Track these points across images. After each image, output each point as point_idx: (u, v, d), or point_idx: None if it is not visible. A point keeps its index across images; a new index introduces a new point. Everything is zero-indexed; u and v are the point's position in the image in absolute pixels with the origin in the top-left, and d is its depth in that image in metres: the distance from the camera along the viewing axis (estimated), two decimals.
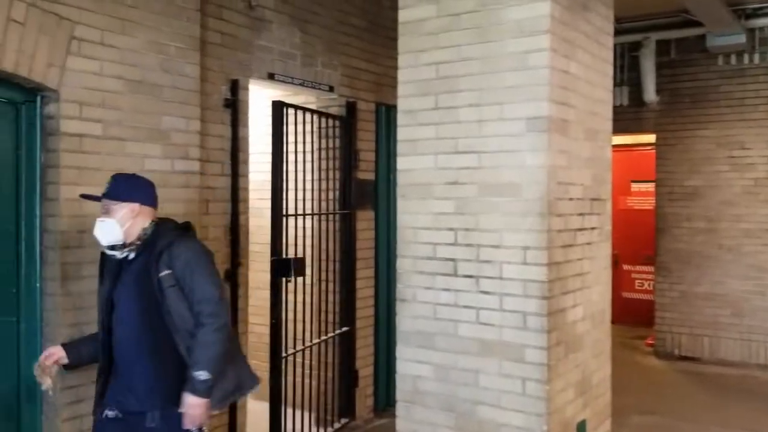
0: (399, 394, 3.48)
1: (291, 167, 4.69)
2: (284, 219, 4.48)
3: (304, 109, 4.70)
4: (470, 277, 3.24)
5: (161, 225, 3.04)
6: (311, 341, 4.96)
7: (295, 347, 4.69)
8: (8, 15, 3.14)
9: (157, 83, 3.79)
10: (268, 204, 4.54)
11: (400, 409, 3.47)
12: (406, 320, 3.45)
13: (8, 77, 3.23)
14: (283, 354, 4.54)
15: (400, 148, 3.49)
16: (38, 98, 3.39)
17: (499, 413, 3.18)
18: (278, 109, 4.42)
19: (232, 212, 4.35)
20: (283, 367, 4.54)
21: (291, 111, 4.55)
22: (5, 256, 3.33)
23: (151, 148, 3.77)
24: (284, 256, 4.46)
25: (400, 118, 3.49)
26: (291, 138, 4.73)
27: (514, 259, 3.12)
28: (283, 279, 4.44)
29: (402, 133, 3.49)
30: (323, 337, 5.05)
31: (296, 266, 4.43)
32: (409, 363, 3.44)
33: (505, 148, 3.16)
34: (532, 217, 3.08)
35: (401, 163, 3.49)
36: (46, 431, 3.40)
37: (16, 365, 3.37)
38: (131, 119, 3.66)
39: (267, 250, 4.62)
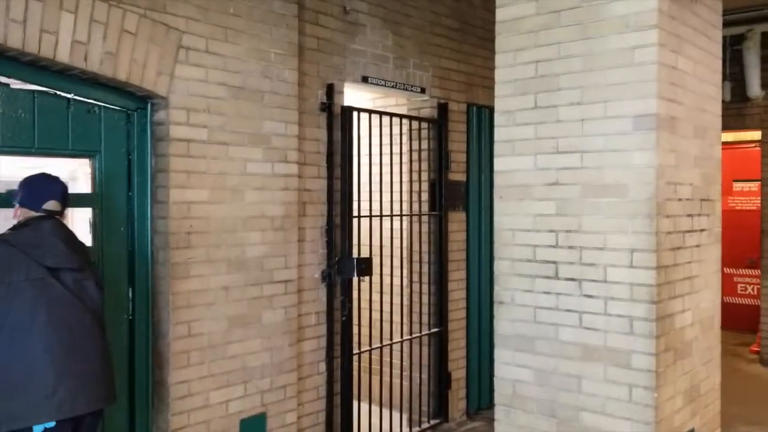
0: (498, 398, 3.42)
1: (382, 169, 4.76)
2: (355, 220, 4.50)
3: (379, 113, 4.73)
4: (572, 280, 3.16)
5: (18, 224, 2.89)
6: (391, 340, 4.96)
7: (371, 345, 4.72)
8: (122, 26, 3.30)
9: (258, 89, 3.89)
10: (367, 205, 4.60)
11: (499, 413, 3.42)
12: (504, 323, 3.40)
13: (121, 86, 3.40)
14: (356, 351, 4.57)
15: (498, 148, 3.44)
16: (149, 105, 3.54)
17: (604, 420, 3.07)
18: (348, 114, 4.46)
19: (328, 214, 4.41)
20: (356, 364, 4.56)
21: (365, 115, 4.57)
22: (118, 255, 3.50)
23: (252, 151, 3.88)
24: (355, 255, 4.48)
25: (498, 119, 3.44)
26: (385, 140, 4.79)
27: (620, 261, 3.01)
28: (358, 279, 4.47)
29: (499, 133, 3.44)
30: (406, 337, 5.04)
31: (360, 266, 4.44)
32: (508, 366, 3.39)
33: (610, 148, 3.06)
34: (640, 218, 2.97)
35: (498, 163, 3.44)
36: (156, 424, 3.55)
37: (128, 360, 3.53)
38: (234, 124, 3.78)
39: (365, 251, 4.67)
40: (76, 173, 3.73)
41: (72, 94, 3.30)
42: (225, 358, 3.73)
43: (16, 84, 3.15)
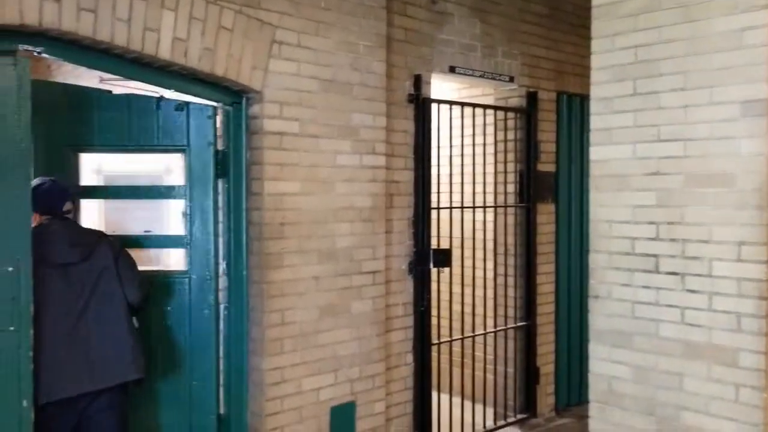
0: (592, 395, 3.35)
1: (467, 161, 4.74)
2: (433, 212, 4.50)
3: (461, 104, 4.71)
4: (674, 274, 3.04)
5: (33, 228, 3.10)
6: (473, 332, 4.93)
7: (451, 336, 4.71)
8: (219, 23, 3.41)
9: (347, 81, 3.94)
10: (454, 197, 4.59)
11: (594, 409, 3.34)
12: (600, 318, 3.31)
13: (218, 81, 3.51)
14: (435, 341, 4.56)
15: (594, 137, 3.35)
16: (243, 100, 3.65)
17: (708, 420, 2.96)
18: (427, 105, 4.44)
19: (414, 205, 4.42)
20: (437, 355, 4.57)
21: (450, 107, 4.54)
22: (205, 245, 3.63)
23: (341, 144, 3.93)
24: (434, 247, 4.47)
25: (594, 106, 3.35)
26: (472, 131, 4.77)
27: (727, 255, 2.88)
28: (436, 270, 4.47)
29: (595, 121, 3.34)
30: (491, 330, 5.00)
31: (437, 257, 4.42)
32: (603, 362, 3.30)
33: (715, 135, 2.92)
34: (749, 209, 2.83)
35: (594, 153, 3.34)
36: (251, 409, 3.66)
37: (216, 343, 3.65)
38: (324, 117, 3.84)
39: (452, 242, 4.66)
40: (171, 166, 3.90)
41: (172, 90, 3.44)
42: (316, 346, 3.81)
43: (117, 89, 3.33)
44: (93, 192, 3.82)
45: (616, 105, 3.25)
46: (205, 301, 3.61)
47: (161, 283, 3.61)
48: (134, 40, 3.11)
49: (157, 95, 3.60)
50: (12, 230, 2.94)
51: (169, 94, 3.52)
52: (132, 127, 3.57)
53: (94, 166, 3.97)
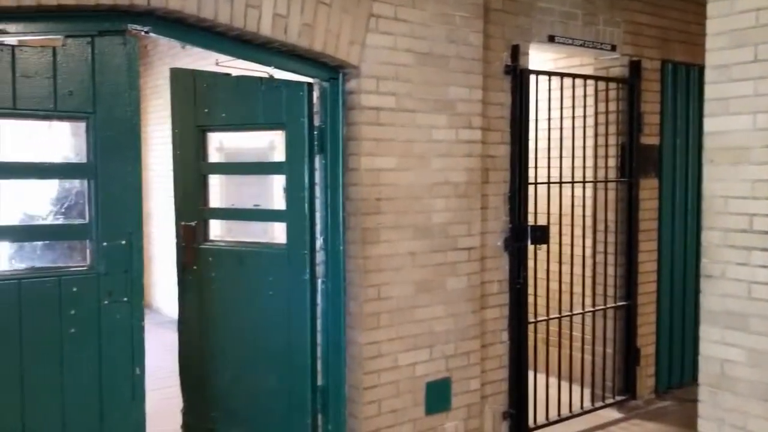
0: (703, 378, 3.22)
1: (565, 134, 4.60)
2: (531, 187, 4.41)
3: (561, 75, 4.55)
4: None
5: None
6: (571, 311, 4.82)
7: (548, 315, 4.62)
8: None
9: (443, 54, 3.88)
10: (553, 172, 4.49)
11: (704, 393, 3.21)
12: (712, 298, 3.17)
13: (316, 56, 3.54)
14: (531, 320, 4.49)
15: (708, 107, 3.18)
16: (341, 75, 3.66)
17: None
18: (524, 77, 4.32)
19: (510, 180, 4.34)
20: (533, 334, 4.49)
21: (548, 77, 4.39)
22: (300, 219, 3.68)
23: (437, 118, 3.90)
24: (531, 223, 4.39)
25: (709, 74, 3.17)
26: (570, 102, 4.62)
27: None
28: (533, 246, 4.40)
29: (710, 90, 3.17)
30: (589, 309, 4.87)
31: (534, 234, 4.34)
32: (715, 345, 3.16)
33: None
34: None
35: (709, 124, 3.17)
36: (349, 381, 3.73)
37: (310, 318, 3.72)
38: (420, 91, 3.81)
39: (549, 218, 4.56)
40: (274, 143, 3.99)
41: (272, 66, 3.50)
42: (412, 321, 3.83)
43: (236, 72, 3.44)
44: (216, 168, 4.17)
45: (734, 73, 3.07)
46: (303, 275, 3.69)
47: (266, 255, 3.78)
48: (237, 17, 3.17)
49: (264, 75, 3.66)
50: (124, 206, 3.09)
51: (270, 71, 3.58)
52: (243, 107, 3.74)
53: (217, 144, 4.21)
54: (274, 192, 4.03)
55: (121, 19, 3.03)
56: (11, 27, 2.79)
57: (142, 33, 3.12)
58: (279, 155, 3.92)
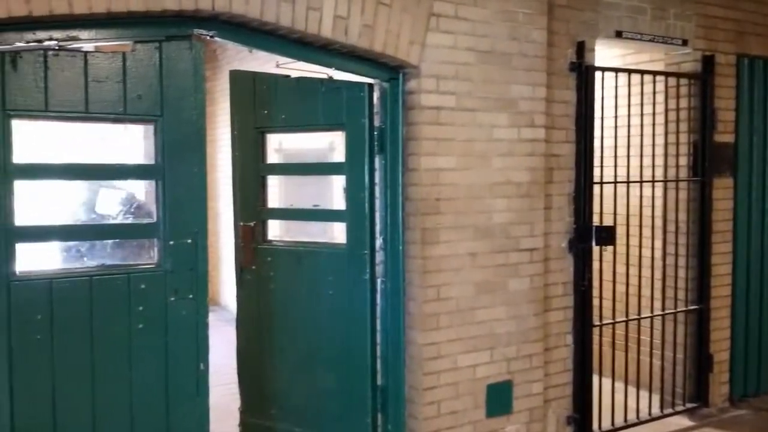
0: None
1: (633, 132, 4.48)
2: (596, 186, 4.31)
3: (628, 71, 4.43)
4: None
5: None
6: (639, 315, 4.67)
7: (614, 318, 4.48)
8: None
9: (505, 52, 3.84)
10: (620, 171, 4.38)
11: None
12: None
13: (376, 57, 3.55)
14: (596, 323, 4.37)
15: None
16: (401, 75, 3.67)
17: None
18: (589, 73, 4.21)
19: (576, 180, 4.25)
20: (596, 337, 4.37)
21: (614, 74, 4.26)
22: (360, 219, 3.72)
23: (498, 117, 3.85)
24: (596, 224, 4.30)
25: None
26: (638, 100, 4.49)
27: None
28: (598, 248, 4.30)
29: None
30: (658, 312, 4.71)
31: (600, 234, 4.22)
32: None
33: None
34: None
35: None
36: (408, 382, 3.74)
37: (370, 314, 3.74)
38: (481, 90, 3.77)
39: (616, 219, 4.44)
40: (334, 144, 4.03)
41: (332, 68, 3.53)
42: (472, 323, 3.80)
43: (295, 73, 3.50)
44: (275, 169, 4.24)
45: None
46: (362, 275, 3.72)
47: (326, 254, 3.82)
48: (298, 19, 3.21)
49: (322, 76, 3.72)
50: (190, 206, 3.18)
51: (330, 72, 3.62)
52: (302, 108, 3.79)
53: (276, 146, 4.28)
54: (333, 192, 4.08)
55: (187, 24, 3.12)
56: (83, 34, 2.92)
57: (208, 37, 3.20)
58: (338, 156, 3.96)
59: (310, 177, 4.17)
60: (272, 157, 4.26)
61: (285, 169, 4.56)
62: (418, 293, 3.65)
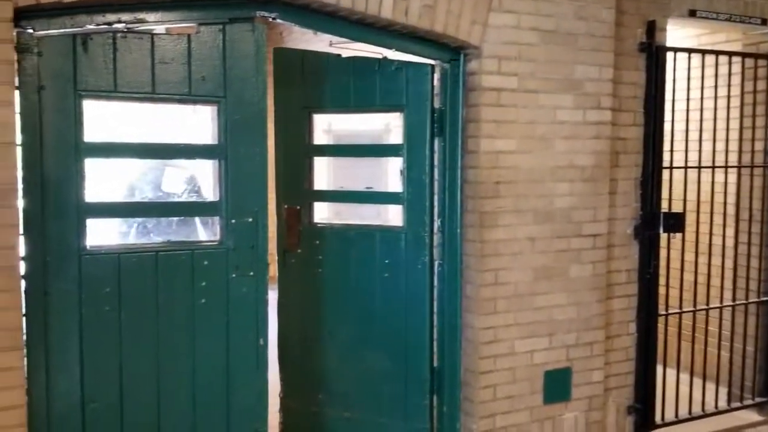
0: None
1: (706, 115, 4.27)
2: (663, 171, 4.13)
3: (702, 51, 4.22)
4: None
5: None
6: (707, 305, 4.47)
7: (681, 307, 4.33)
8: None
9: (570, 32, 3.71)
10: (691, 156, 4.20)
11: None
12: None
13: (437, 38, 3.50)
14: (662, 312, 4.22)
15: None
16: (461, 56, 3.60)
17: None
18: (660, 54, 4.03)
19: (643, 164, 4.09)
20: (662, 327, 4.23)
21: (687, 55, 4.05)
22: (419, 202, 3.68)
23: (562, 98, 3.74)
24: (664, 210, 4.13)
25: None
26: (709, 82, 4.27)
27: None
28: (666, 235, 4.13)
29: None
30: (728, 303, 4.51)
31: (667, 221, 4.05)
32: None
33: None
34: None
35: None
36: (464, 365, 3.71)
37: (429, 301, 3.72)
38: (544, 70, 3.67)
39: (686, 205, 4.27)
40: (390, 125, 4.00)
41: (393, 49, 3.50)
42: (531, 308, 3.73)
43: (346, 52, 3.47)
44: (323, 150, 4.09)
45: None
46: (420, 257, 3.69)
47: (380, 237, 3.76)
48: (358, 1, 3.19)
49: (378, 56, 3.69)
50: (250, 185, 3.23)
51: (390, 54, 3.59)
52: (355, 88, 3.70)
53: (324, 126, 4.23)
54: (386, 174, 4.03)
55: (249, 6, 3.15)
56: (150, 16, 2.98)
57: (270, 19, 3.22)
58: (393, 138, 3.90)
59: (360, 159, 4.07)
60: (320, 139, 4.13)
61: (336, 150, 4.43)
62: (475, 277, 3.60)
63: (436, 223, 3.68)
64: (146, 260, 3.09)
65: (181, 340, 3.16)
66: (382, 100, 3.69)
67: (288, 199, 3.80)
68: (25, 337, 2.81)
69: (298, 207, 3.77)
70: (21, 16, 2.73)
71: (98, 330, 3.01)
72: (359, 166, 4.19)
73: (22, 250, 2.79)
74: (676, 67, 4.11)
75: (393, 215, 3.94)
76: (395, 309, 3.74)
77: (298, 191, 3.81)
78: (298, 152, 3.83)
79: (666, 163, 4.17)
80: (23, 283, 2.81)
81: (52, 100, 2.88)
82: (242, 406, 3.27)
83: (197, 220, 3.33)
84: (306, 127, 3.81)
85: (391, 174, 3.96)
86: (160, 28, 3.06)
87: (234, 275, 3.23)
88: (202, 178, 3.25)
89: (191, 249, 3.18)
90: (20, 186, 2.77)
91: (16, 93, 2.75)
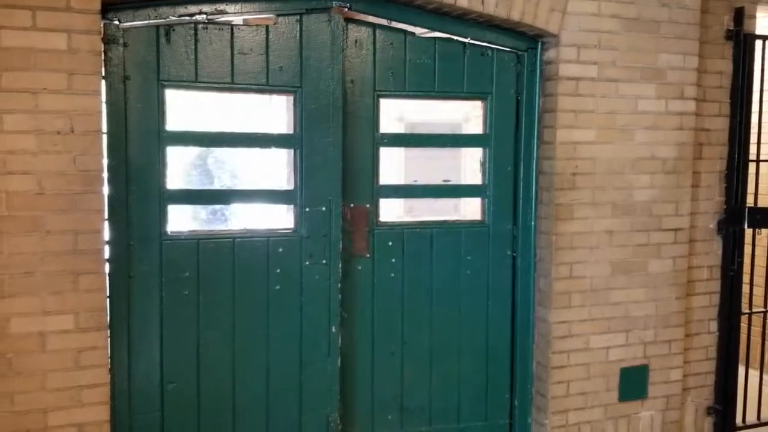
0: None
1: None
2: (749, 164, 3.84)
3: None
4: None
5: None
6: None
7: (766, 306, 4.00)
8: None
9: (653, 19, 3.48)
10: None
11: None
12: None
13: (514, 26, 3.34)
14: (745, 311, 3.93)
15: None
16: (539, 45, 3.43)
17: None
18: (748, 42, 3.73)
19: (728, 157, 3.80)
20: (744, 327, 3.95)
21: None
22: (504, 194, 3.51)
23: (644, 88, 3.51)
24: (749, 204, 3.82)
25: None
26: None
27: None
28: (751, 231, 3.83)
29: None
30: None
31: (753, 216, 3.77)
32: None
33: None
34: None
35: None
36: (536, 359, 3.54)
37: (511, 296, 3.57)
38: (626, 59, 3.45)
39: None
40: (469, 115, 3.84)
41: (468, 38, 3.35)
42: (607, 304, 3.52)
43: (420, 32, 3.32)
44: (395, 140, 3.56)
45: None
46: (503, 252, 3.52)
47: (463, 232, 3.48)
48: None
49: (466, 39, 3.43)
50: (324, 175, 3.15)
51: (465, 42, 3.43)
52: (436, 73, 3.36)
53: (397, 114, 4.02)
54: (460, 167, 3.85)
55: None
56: (230, 7, 2.95)
57: (345, 9, 3.14)
58: (472, 128, 3.72)
59: (433, 151, 3.77)
60: (391, 127, 3.71)
61: (410, 140, 3.91)
62: (549, 270, 3.42)
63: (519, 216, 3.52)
64: (223, 246, 3.07)
65: (257, 324, 3.13)
66: (469, 87, 3.40)
67: (352, 197, 3.26)
68: (108, 319, 2.83)
69: (367, 205, 3.31)
70: (108, 8, 2.75)
71: (177, 312, 3.01)
72: (435, 158, 3.96)
73: (107, 235, 2.81)
74: (765, 56, 3.80)
75: (470, 209, 3.73)
76: (478, 307, 3.52)
77: (364, 187, 3.29)
78: (364, 143, 3.28)
79: (753, 155, 3.87)
80: (107, 266, 2.84)
81: (136, 89, 2.89)
82: (314, 392, 3.22)
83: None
84: (374, 114, 3.28)
85: (466, 166, 3.79)
86: (238, 19, 3.03)
87: (307, 263, 3.17)
88: (277, 167, 3.19)
89: (267, 236, 3.14)
90: (105, 173, 2.78)
91: (103, 83, 2.76)
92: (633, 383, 3.63)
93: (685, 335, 3.75)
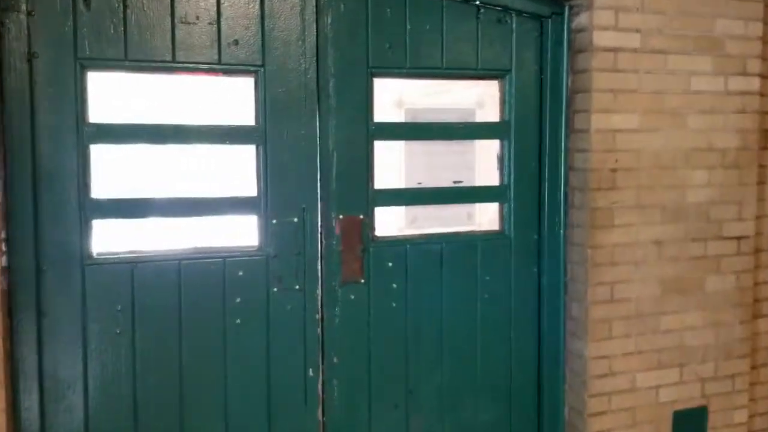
0: None
1: None
2: None
3: None
4: None
5: None
6: None
7: None
8: None
9: None
10: None
11: None
12: None
13: None
14: None
15: None
16: (566, 9, 2.64)
17: None
18: None
19: None
20: None
21: None
22: (528, 197, 2.72)
23: (698, 61, 2.72)
24: None
25: None
26: None
27: None
28: None
29: None
30: None
31: None
32: None
33: None
34: None
35: None
36: (569, 403, 2.75)
37: (537, 321, 2.77)
38: (675, 25, 2.66)
39: None
40: (483, 98, 3.03)
41: (479, 1, 2.57)
42: (656, 332, 2.73)
43: None
44: (390, 131, 2.66)
45: None
46: (531, 267, 2.73)
47: (476, 246, 2.67)
48: None
49: (475, 2, 2.63)
50: (297, 177, 2.40)
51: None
52: (444, 45, 2.55)
53: (395, 98, 3.17)
54: (474, 164, 3.04)
55: None
56: None
57: None
58: (485, 115, 2.91)
59: (439, 144, 2.90)
60: (388, 115, 2.88)
61: (412, 131, 2.83)
62: (585, 292, 2.63)
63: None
64: (167, 270, 2.31)
65: (211, 370, 2.37)
66: (484, 63, 2.60)
67: (343, 205, 2.49)
68: (8, 373, 2.09)
69: (360, 216, 2.51)
70: None
71: (107, 360, 2.26)
72: (443, 153, 3.10)
73: (3, 260, 2.08)
74: None
75: (486, 217, 2.90)
76: (498, 340, 2.72)
77: (356, 193, 2.50)
78: (356, 134, 2.48)
79: None
80: (5, 301, 2.09)
81: (46, 71, 2.16)
82: None
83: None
84: (367, 98, 2.50)
85: (480, 163, 2.99)
86: None
87: (275, 289, 2.41)
88: (236, 169, 2.43)
89: (223, 257, 2.38)
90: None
91: None
92: (689, 429, 2.83)
93: (751, 367, 2.96)
